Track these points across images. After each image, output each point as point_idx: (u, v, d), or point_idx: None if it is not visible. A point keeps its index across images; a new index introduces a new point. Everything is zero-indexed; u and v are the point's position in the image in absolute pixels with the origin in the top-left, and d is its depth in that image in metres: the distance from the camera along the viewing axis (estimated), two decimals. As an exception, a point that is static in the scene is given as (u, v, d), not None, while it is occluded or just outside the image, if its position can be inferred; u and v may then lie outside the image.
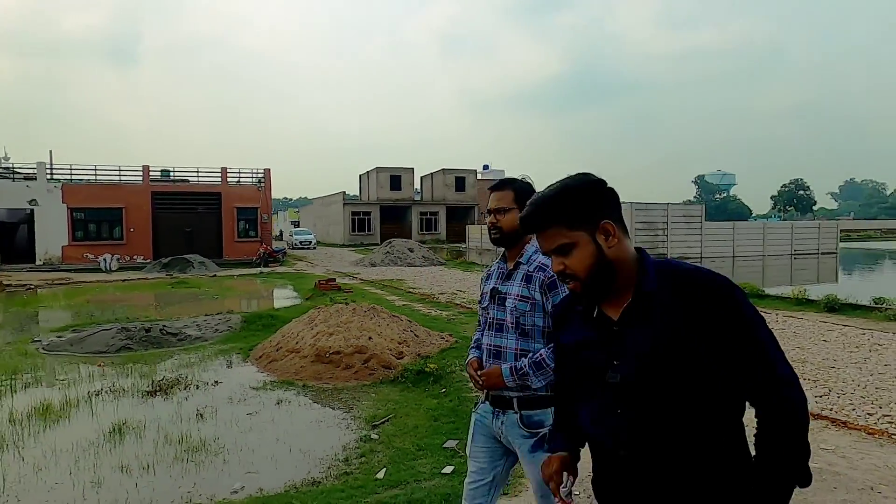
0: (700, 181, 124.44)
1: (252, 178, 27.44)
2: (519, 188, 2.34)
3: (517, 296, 2.29)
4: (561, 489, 1.52)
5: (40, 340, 9.37)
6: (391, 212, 47.42)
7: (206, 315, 11.50)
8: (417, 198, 51.44)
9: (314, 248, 39.64)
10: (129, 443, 4.97)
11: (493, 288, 2.39)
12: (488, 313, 2.38)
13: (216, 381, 6.81)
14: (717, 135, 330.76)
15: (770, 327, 1.32)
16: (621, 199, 1.51)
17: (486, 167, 60.76)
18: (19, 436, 5.13)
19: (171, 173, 26.91)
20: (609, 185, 1.43)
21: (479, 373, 2.31)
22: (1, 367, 7.69)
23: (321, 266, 24.34)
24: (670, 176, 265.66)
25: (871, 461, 4.02)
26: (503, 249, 2.40)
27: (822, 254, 30.39)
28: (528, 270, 2.30)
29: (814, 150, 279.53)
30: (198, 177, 26.74)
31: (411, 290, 15.07)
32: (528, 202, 1.46)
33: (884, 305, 10.15)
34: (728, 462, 1.31)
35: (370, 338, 7.21)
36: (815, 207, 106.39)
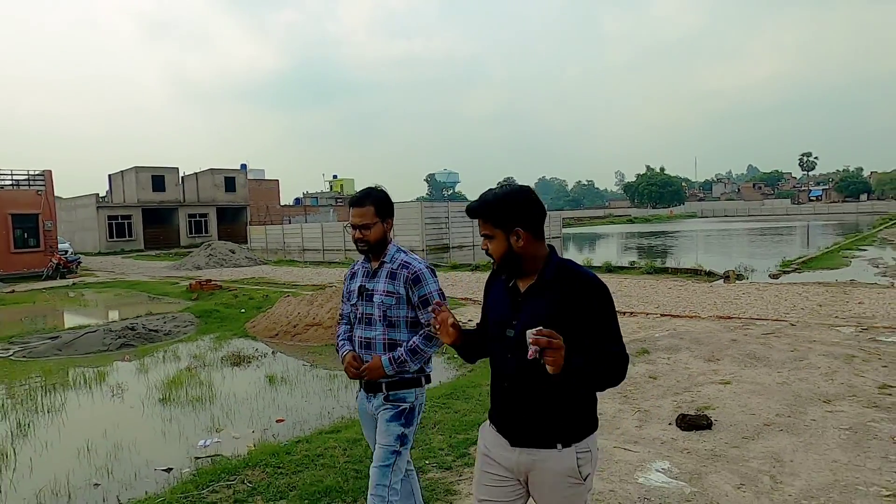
0: (430, 179, 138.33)
1: (27, 180, 24.46)
2: (377, 199, 2.59)
3: (383, 291, 2.57)
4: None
5: (-10, 354, 9.26)
6: (155, 214, 44.48)
7: (139, 316, 11.91)
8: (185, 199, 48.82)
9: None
10: (297, 384, 6.87)
11: (361, 286, 2.64)
12: (357, 309, 2.64)
13: (274, 352, 8.60)
14: (439, 136, 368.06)
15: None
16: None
17: (243, 167, 59.91)
18: (207, 388, 6.63)
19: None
20: (539, 201, 1.96)
21: (361, 369, 2.57)
22: (19, 372, 8.04)
23: (131, 274, 23.30)
24: (402, 173, 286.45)
25: (700, 328, 8.44)
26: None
27: (553, 237, 39.36)
28: (391, 268, 2.59)
29: (515, 151, 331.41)
30: (-45, 180, 22.87)
31: (294, 283, 16.77)
32: (480, 196, 2.00)
33: (636, 265, 15.99)
34: (575, 396, 1.92)
35: (374, 308, 9.72)
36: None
